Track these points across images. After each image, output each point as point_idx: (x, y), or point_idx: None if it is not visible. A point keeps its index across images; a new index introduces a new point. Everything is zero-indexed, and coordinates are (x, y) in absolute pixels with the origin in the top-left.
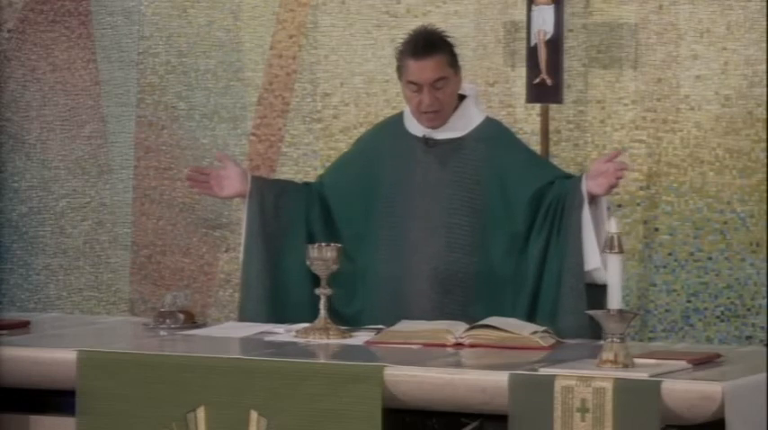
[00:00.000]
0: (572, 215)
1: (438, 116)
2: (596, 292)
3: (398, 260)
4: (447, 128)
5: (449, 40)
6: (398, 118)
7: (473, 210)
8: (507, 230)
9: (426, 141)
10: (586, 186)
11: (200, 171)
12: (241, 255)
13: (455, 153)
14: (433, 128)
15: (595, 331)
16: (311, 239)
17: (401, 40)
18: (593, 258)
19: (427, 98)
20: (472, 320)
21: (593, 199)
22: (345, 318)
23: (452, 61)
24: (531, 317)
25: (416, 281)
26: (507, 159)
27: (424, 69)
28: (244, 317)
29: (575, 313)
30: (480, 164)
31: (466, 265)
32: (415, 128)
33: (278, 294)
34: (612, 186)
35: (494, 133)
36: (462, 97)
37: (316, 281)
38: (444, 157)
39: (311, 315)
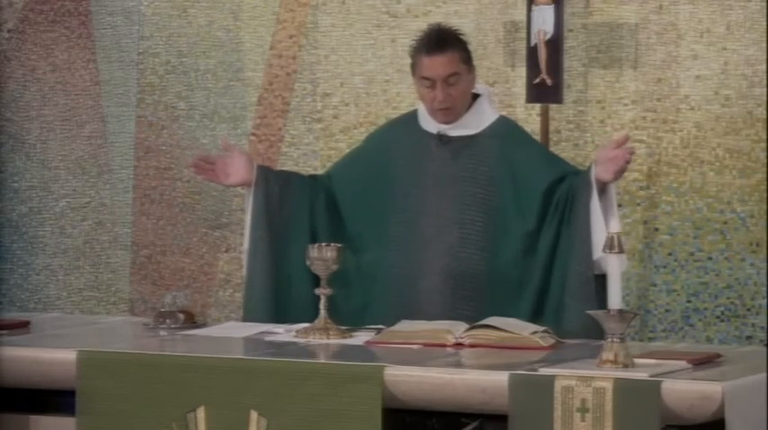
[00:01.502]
0: (581, 203)
1: (451, 112)
2: (604, 282)
3: (410, 256)
4: (461, 125)
5: (462, 37)
6: (412, 115)
7: (486, 207)
8: (520, 226)
9: (441, 138)
10: (595, 173)
11: (206, 159)
12: (245, 244)
13: (468, 149)
14: (447, 123)
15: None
16: (315, 232)
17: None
18: (601, 246)
19: (440, 94)
20: (484, 316)
21: (603, 187)
22: (348, 315)
23: (465, 58)
24: (538, 311)
25: (428, 277)
26: (520, 156)
27: (436, 64)
28: (248, 312)
29: (583, 301)
30: (493, 160)
31: (478, 261)
32: (430, 125)
33: (282, 288)
34: (621, 171)
35: (507, 131)
36: (476, 96)
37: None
38: (458, 154)
39: (314, 311)
